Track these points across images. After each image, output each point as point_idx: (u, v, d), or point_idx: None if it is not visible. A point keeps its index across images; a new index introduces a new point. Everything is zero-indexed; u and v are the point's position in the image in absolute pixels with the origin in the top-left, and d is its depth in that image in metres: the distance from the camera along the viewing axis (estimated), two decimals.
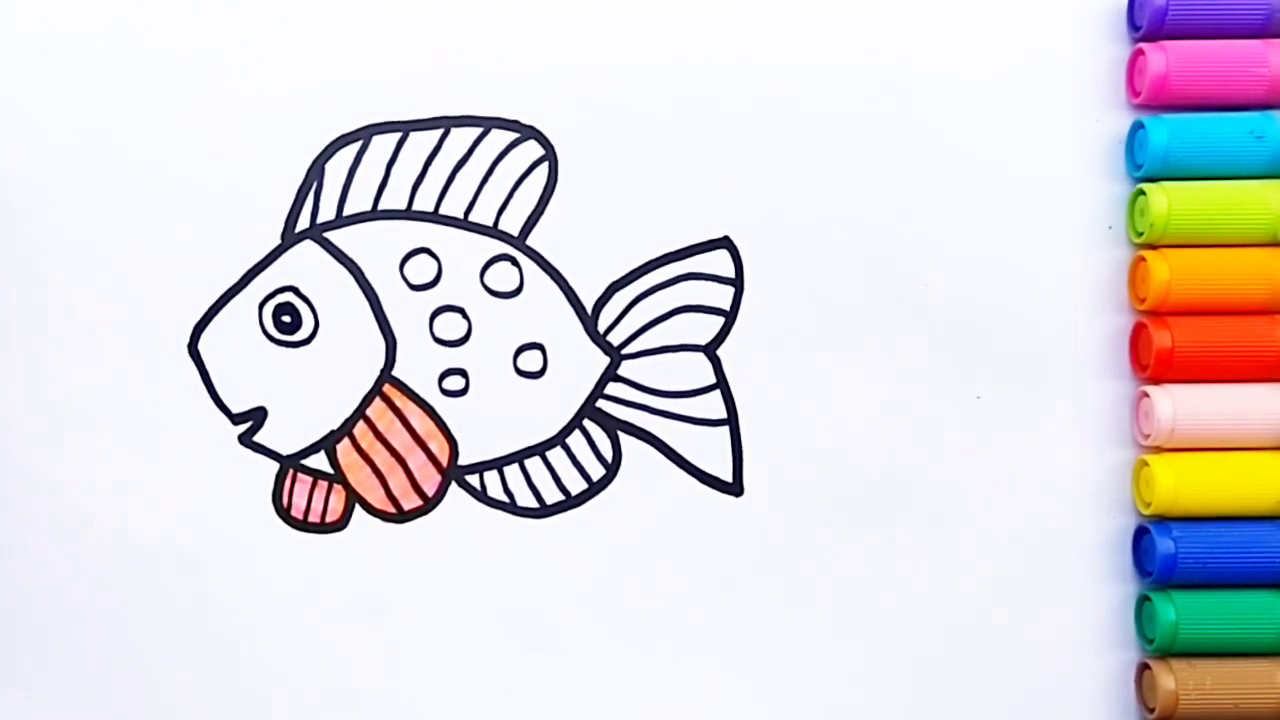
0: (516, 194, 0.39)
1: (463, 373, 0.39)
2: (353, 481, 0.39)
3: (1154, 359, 0.38)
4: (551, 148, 0.39)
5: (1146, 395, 0.38)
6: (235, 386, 0.39)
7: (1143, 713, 0.38)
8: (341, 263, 0.39)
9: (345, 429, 0.39)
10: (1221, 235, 0.38)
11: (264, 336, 0.39)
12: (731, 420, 0.39)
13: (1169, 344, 0.37)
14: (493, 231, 0.39)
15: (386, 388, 0.39)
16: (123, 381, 0.39)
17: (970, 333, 0.39)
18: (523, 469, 0.39)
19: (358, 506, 0.39)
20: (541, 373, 0.39)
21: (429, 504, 0.39)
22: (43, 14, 0.39)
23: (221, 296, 0.39)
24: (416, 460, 0.39)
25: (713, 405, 0.39)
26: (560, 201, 0.39)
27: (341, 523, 0.39)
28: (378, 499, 0.39)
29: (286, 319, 0.39)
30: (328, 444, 0.39)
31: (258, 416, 0.39)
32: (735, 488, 0.39)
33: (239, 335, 0.39)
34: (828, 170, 0.39)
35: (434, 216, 0.39)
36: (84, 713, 0.38)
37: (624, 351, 0.39)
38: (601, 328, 0.39)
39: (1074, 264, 0.39)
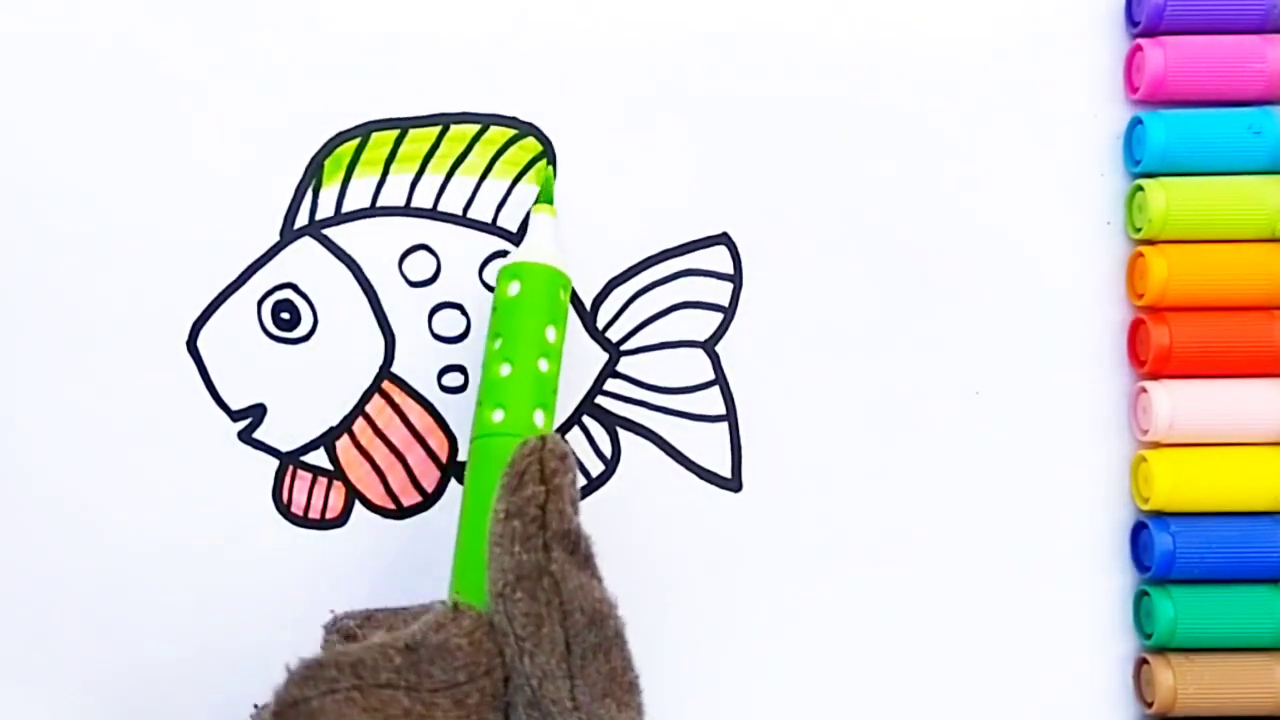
0: (515, 191, 0.39)
1: (462, 369, 0.39)
2: (352, 478, 0.39)
3: (1152, 355, 0.38)
4: (550, 144, 0.39)
5: (1145, 391, 0.38)
6: (234, 383, 0.39)
7: (1141, 708, 0.38)
8: (340, 259, 0.39)
9: (345, 426, 0.39)
10: (1220, 231, 0.38)
11: (263, 333, 0.39)
12: (730, 416, 0.39)
13: (1167, 340, 0.37)
14: (491, 228, 0.39)
15: (386, 384, 0.39)
16: (121, 378, 0.39)
17: (969, 328, 0.39)
18: None
19: (357, 503, 0.39)
20: None
21: (428, 500, 0.39)
22: (41, 11, 0.39)
23: (220, 293, 0.39)
24: (416, 456, 0.39)
25: (712, 401, 0.39)
26: (558, 198, 0.39)
27: (341, 519, 0.39)
28: (377, 495, 0.39)
29: (285, 316, 0.39)
30: (327, 441, 0.39)
31: (257, 413, 0.39)
32: (734, 483, 0.39)
33: (238, 332, 0.39)
34: (825, 166, 0.39)
35: (433, 213, 0.39)
36: (83, 710, 0.38)
37: (623, 348, 0.39)
38: (600, 324, 0.39)
39: (1072, 260, 0.39)
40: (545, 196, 0.38)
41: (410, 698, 0.30)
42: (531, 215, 0.38)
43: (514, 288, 0.35)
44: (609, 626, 0.31)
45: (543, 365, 0.35)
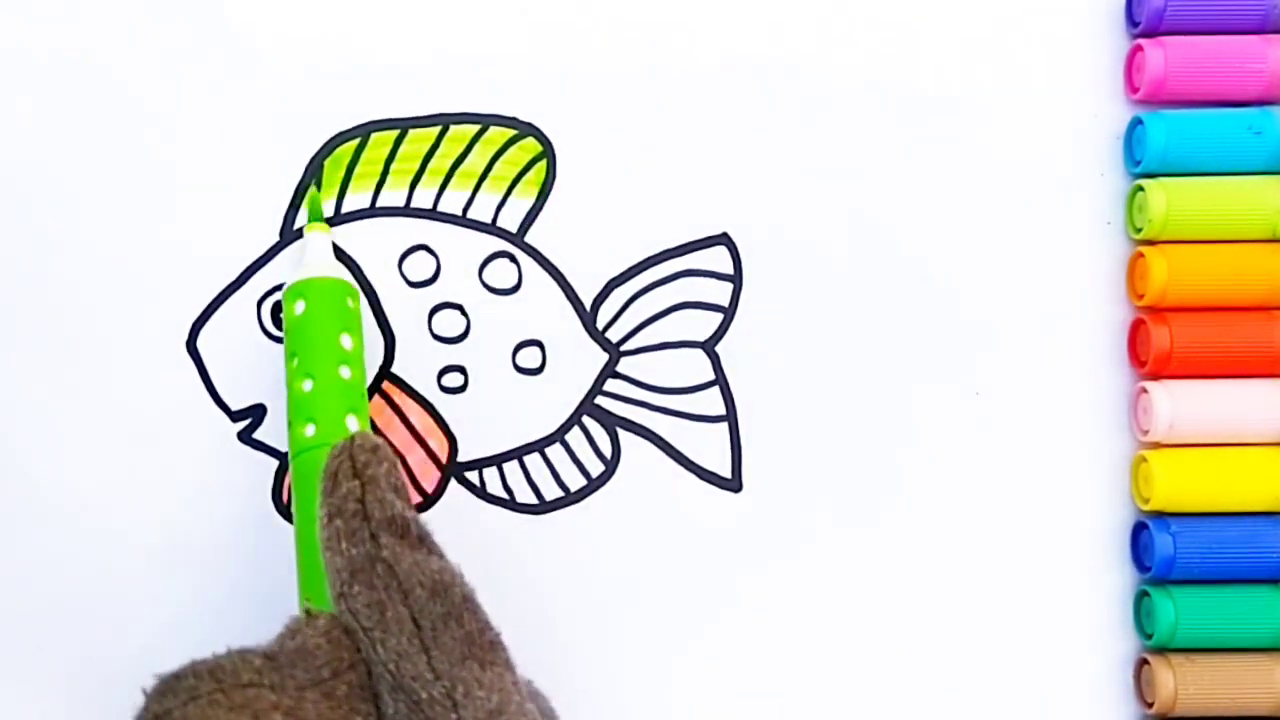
0: (515, 191, 0.39)
1: (461, 369, 0.39)
2: None
3: (1152, 356, 0.38)
4: (550, 144, 0.39)
5: (1145, 391, 0.38)
6: (234, 384, 0.39)
7: (1141, 708, 0.38)
8: (340, 260, 0.39)
9: None
10: (1220, 232, 0.38)
11: (263, 334, 0.39)
12: (730, 416, 0.39)
13: (1167, 340, 0.37)
14: (491, 228, 0.39)
15: (385, 385, 0.39)
16: (121, 379, 0.39)
17: (969, 328, 0.39)
18: (522, 466, 0.39)
19: None
20: (540, 370, 0.39)
21: (428, 501, 0.39)
22: (41, 11, 0.39)
23: (220, 293, 0.39)
24: (415, 457, 0.39)
25: (712, 401, 0.39)
26: (558, 198, 0.39)
27: None
28: None
29: None
30: None
31: (257, 413, 0.39)
32: (734, 484, 0.39)
33: (238, 332, 0.39)
34: (826, 166, 0.39)
35: (432, 213, 0.39)
36: (83, 710, 0.38)
37: (623, 348, 0.39)
38: (600, 324, 0.39)
39: (1073, 260, 0.39)
40: (315, 215, 0.38)
41: (277, 693, 0.29)
42: (305, 234, 0.38)
43: (299, 306, 0.36)
44: (454, 594, 0.31)
45: (344, 373, 0.35)
